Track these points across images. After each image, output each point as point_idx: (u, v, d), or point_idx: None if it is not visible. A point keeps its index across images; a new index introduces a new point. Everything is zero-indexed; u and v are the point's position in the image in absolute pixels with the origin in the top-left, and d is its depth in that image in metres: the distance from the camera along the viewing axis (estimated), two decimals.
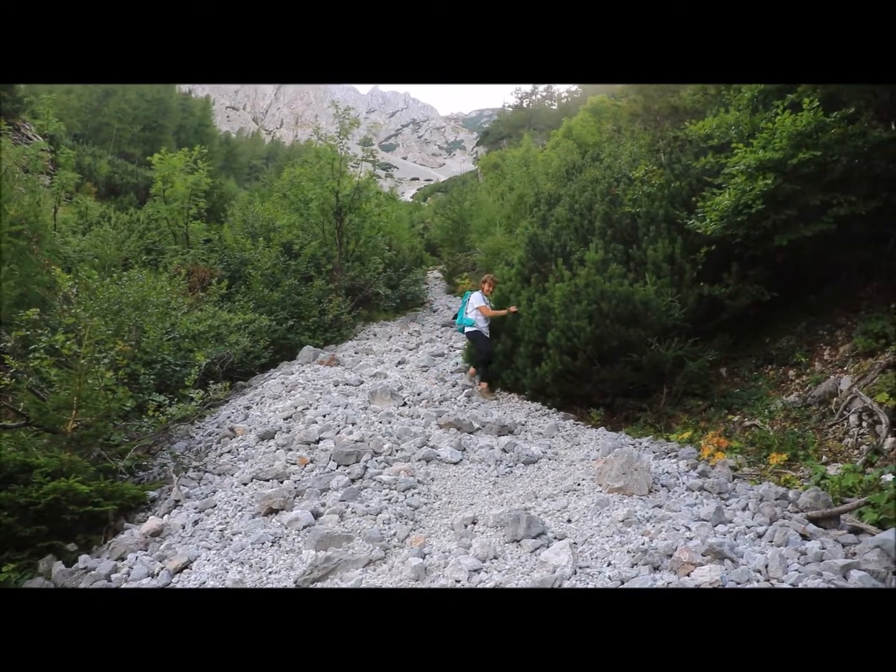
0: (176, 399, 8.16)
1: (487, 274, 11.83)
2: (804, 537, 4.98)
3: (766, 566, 4.49)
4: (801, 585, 4.17)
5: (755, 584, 4.27)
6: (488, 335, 10.65)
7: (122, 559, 5.60)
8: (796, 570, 4.39)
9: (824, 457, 6.57)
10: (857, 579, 4.17)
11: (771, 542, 4.96)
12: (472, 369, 10.76)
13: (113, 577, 5.27)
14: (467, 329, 10.72)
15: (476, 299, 10.75)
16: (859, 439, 6.52)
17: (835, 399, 7.21)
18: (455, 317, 11.56)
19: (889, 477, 5.56)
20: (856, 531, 5.10)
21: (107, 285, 8.90)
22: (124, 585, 5.14)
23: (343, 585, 4.84)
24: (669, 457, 7.21)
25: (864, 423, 6.62)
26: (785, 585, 4.21)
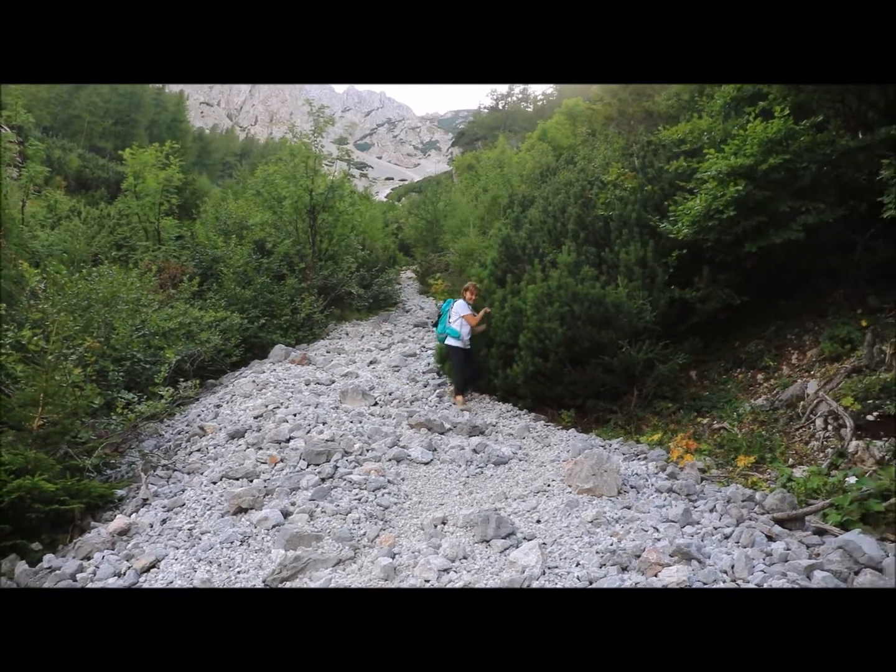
0: (145, 397, 8.08)
1: (469, 281, 11.07)
2: (770, 538, 5.04)
3: (733, 567, 4.54)
4: (766, 586, 4.22)
5: (721, 585, 4.31)
6: (469, 346, 10.11)
7: (88, 558, 5.53)
8: (762, 571, 4.45)
9: (791, 459, 6.65)
10: (820, 579, 4.23)
11: (737, 543, 5.02)
12: (458, 396, 9.90)
13: (78, 576, 5.20)
14: (450, 341, 10.05)
15: (461, 308, 10.08)
16: (825, 442, 6.61)
17: (802, 403, 7.30)
18: (435, 324, 10.71)
19: (852, 479, 5.64)
20: (820, 532, 5.17)
21: (76, 281, 8.80)
22: (90, 585, 5.08)
23: (312, 585, 4.83)
24: (639, 458, 7.26)
25: (830, 427, 6.70)
26: (750, 586, 4.26)
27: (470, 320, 10.09)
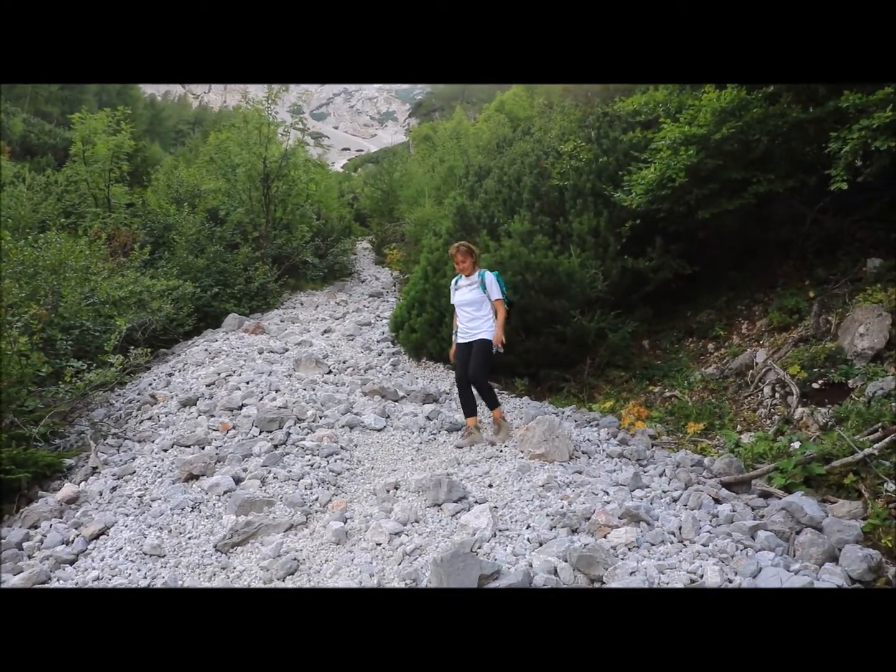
0: (95, 365, 7.94)
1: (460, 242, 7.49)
2: (717, 501, 5.15)
3: (680, 528, 4.63)
4: (711, 546, 4.32)
5: (669, 546, 4.40)
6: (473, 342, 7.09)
7: (36, 527, 5.48)
8: (708, 532, 4.55)
9: (739, 426, 6.80)
10: (763, 539, 4.36)
11: (685, 505, 5.12)
12: (471, 419, 7.13)
13: (25, 545, 5.15)
14: (484, 334, 7.04)
15: (490, 282, 7.10)
16: (772, 409, 6.75)
17: (750, 371, 7.45)
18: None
19: (797, 444, 5.78)
20: (765, 495, 5.30)
21: (21, 247, 8.59)
22: (36, 553, 5.03)
23: (264, 549, 4.82)
24: (591, 425, 7.34)
25: (777, 394, 6.85)
26: (696, 546, 4.35)
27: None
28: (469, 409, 7.11)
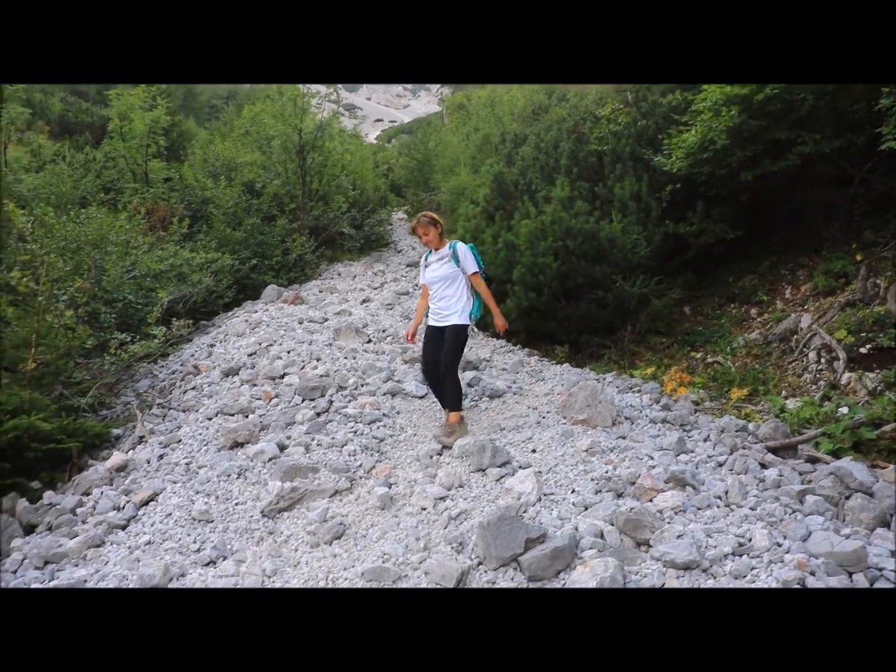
0: (138, 337, 8.05)
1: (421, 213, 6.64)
2: (763, 466, 5.10)
3: (727, 492, 4.61)
4: (759, 509, 4.29)
5: (716, 510, 4.38)
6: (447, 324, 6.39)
7: (87, 494, 5.63)
8: (755, 496, 4.52)
9: (784, 392, 6.71)
10: (811, 503, 4.31)
11: (731, 470, 5.08)
12: (453, 415, 6.27)
13: (78, 511, 5.33)
14: (460, 319, 6.34)
15: (464, 254, 6.38)
16: (817, 375, 6.66)
17: (795, 336, 7.34)
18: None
19: (845, 409, 5.70)
20: (812, 460, 5.24)
21: (64, 223, 8.70)
22: (90, 519, 5.18)
23: (310, 515, 4.87)
24: (633, 391, 7.27)
25: (823, 360, 6.75)
26: (744, 510, 4.32)
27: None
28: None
